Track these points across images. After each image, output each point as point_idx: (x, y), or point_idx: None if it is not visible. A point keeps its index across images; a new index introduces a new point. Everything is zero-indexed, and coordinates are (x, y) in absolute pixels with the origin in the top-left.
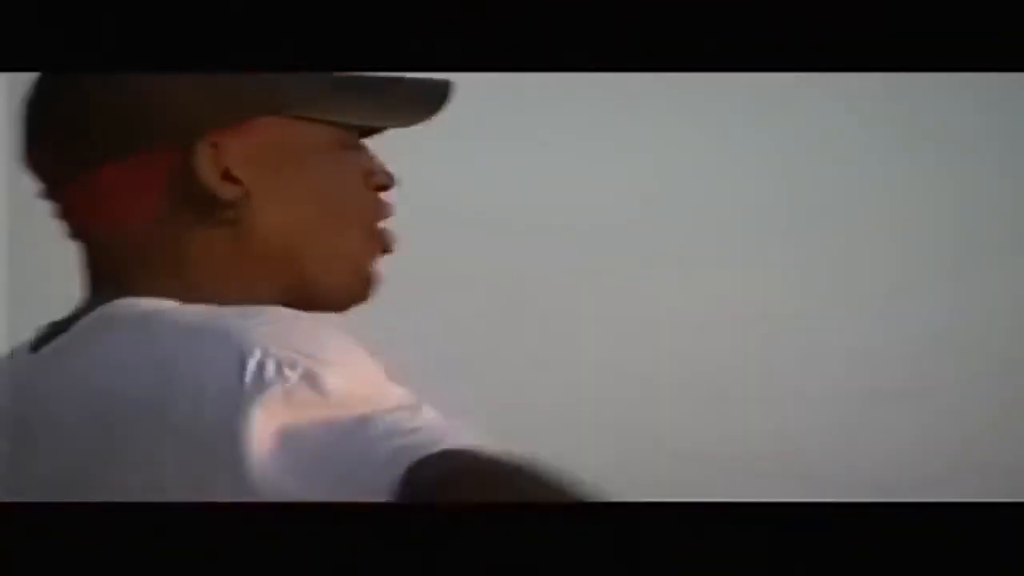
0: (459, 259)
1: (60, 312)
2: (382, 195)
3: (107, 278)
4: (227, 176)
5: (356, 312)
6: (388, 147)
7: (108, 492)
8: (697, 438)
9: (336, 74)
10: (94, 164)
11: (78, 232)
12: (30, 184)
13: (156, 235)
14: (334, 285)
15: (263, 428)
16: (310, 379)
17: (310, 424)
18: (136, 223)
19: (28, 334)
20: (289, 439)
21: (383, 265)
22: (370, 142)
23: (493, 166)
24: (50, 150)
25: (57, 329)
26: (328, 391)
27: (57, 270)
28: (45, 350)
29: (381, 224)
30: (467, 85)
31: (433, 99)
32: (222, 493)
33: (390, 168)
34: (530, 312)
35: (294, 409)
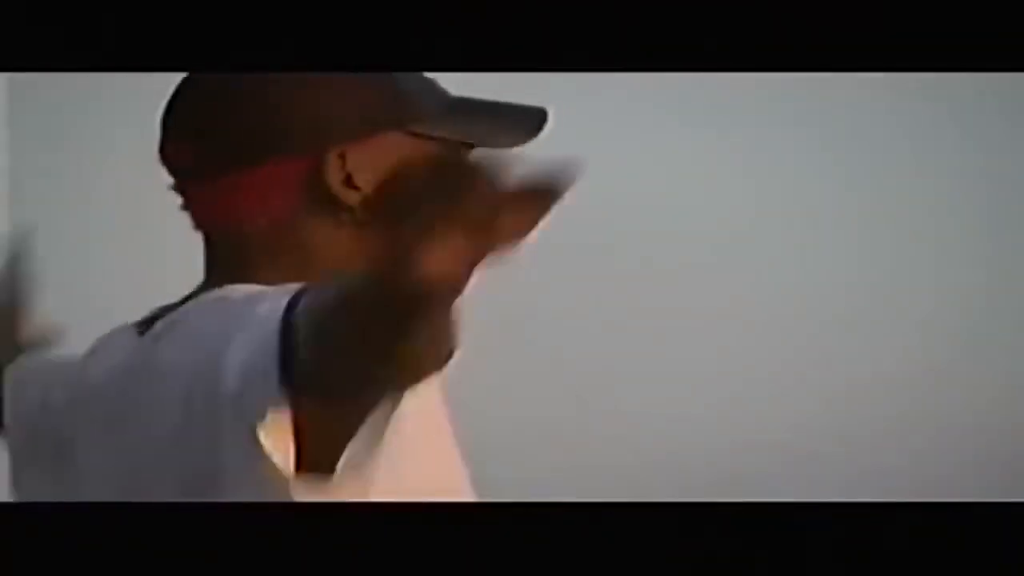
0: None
1: (55, 309)
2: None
3: (228, 269)
4: (349, 183)
5: None
6: None
7: (178, 465)
8: (698, 437)
9: (453, 96)
10: (233, 165)
11: (205, 226)
12: (31, 186)
13: (283, 232)
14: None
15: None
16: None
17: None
18: (266, 221)
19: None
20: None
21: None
22: None
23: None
24: (189, 147)
25: (163, 312)
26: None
27: (57, 269)
28: (154, 329)
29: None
30: (467, 85)
31: (533, 124)
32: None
33: None
34: (531, 312)
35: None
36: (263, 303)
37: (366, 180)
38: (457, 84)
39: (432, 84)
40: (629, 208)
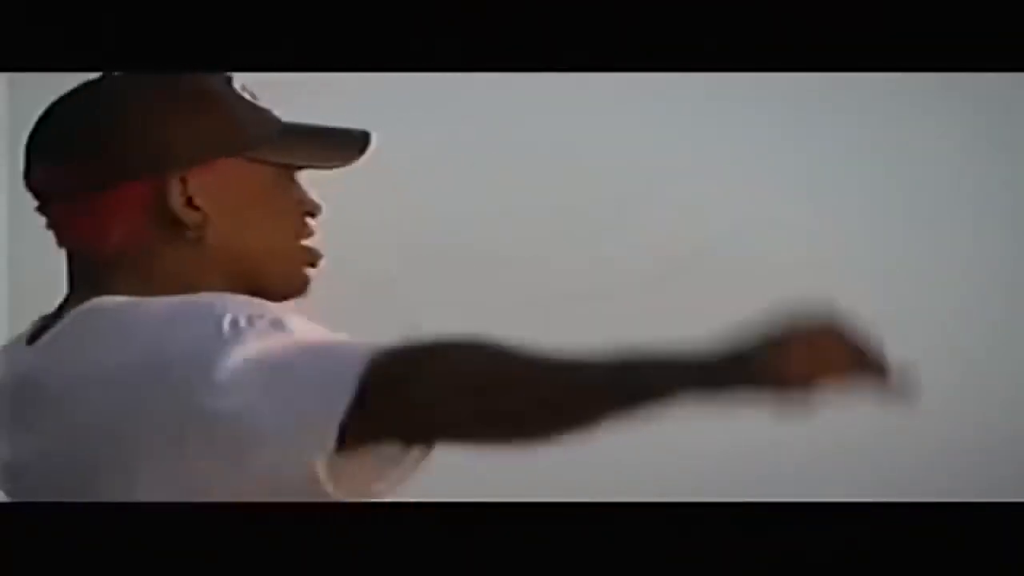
0: (460, 259)
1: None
2: (310, 219)
3: (87, 280)
4: (191, 204)
5: (364, 305)
6: (394, 149)
7: (116, 458)
8: (698, 438)
9: (284, 122)
10: (86, 190)
11: (66, 244)
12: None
13: (133, 248)
14: (273, 289)
15: (235, 358)
16: (276, 324)
17: (278, 345)
18: (117, 238)
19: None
20: (259, 359)
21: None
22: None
23: (498, 167)
24: (47, 173)
25: (47, 323)
26: (292, 330)
27: (57, 268)
28: (41, 341)
29: (308, 242)
30: (467, 85)
31: (356, 146)
32: (202, 432)
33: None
34: (532, 313)
35: (264, 341)
36: (303, 355)
37: (206, 202)
38: (457, 84)
39: (265, 112)
40: (631, 206)
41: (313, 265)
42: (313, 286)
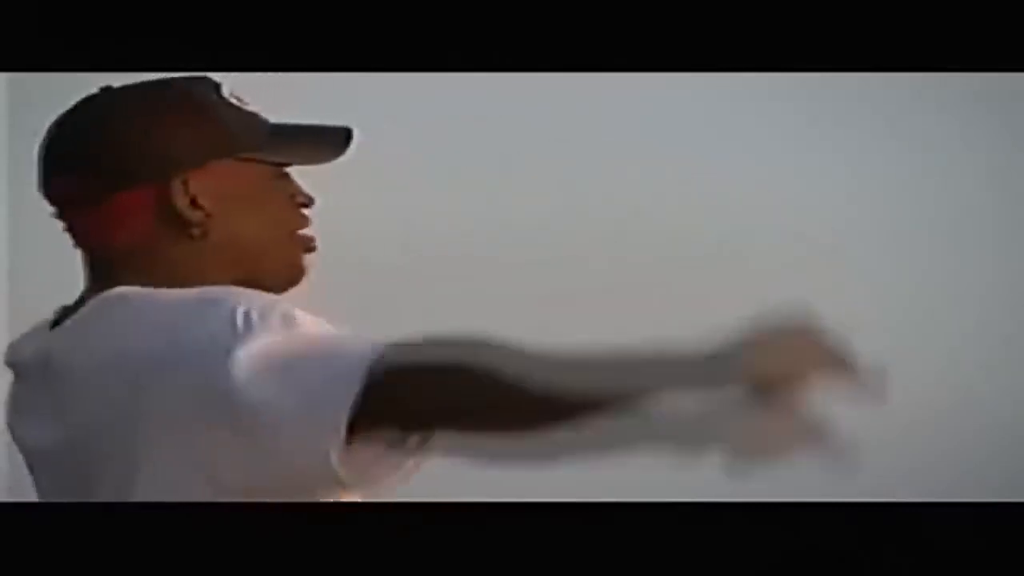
0: (462, 258)
1: (53, 307)
2: (304, 210)
3: (103, 276)
4: (194, 203)
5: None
6: (394, 149)
7: (133, 441)
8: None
9: (272, 123)
10: (97, 196)
11: (82, 243)
12: (31, 186)
13: (143, 246)
14: (274, 277)
15: (251, 352)
16: (287, 320)
17: (289, 341)
18: (128, 238)
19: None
20: (273, 353)
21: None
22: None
23: (499, 168)
24: (62, 183)
25: (68, 311)
26: (301, 324)
27: (57, 268)
28: (64, 325)
29: (304, 231)
30: (468, 85)
31: (340, 142)
32: (219, 421)
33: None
34: (533, 313)
35: (277, 336)
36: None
37: (207, 200)
38: (457, 84)
39: (254, 116)
40: (633, 206)
41: (310, 251)
42: (315, 281)
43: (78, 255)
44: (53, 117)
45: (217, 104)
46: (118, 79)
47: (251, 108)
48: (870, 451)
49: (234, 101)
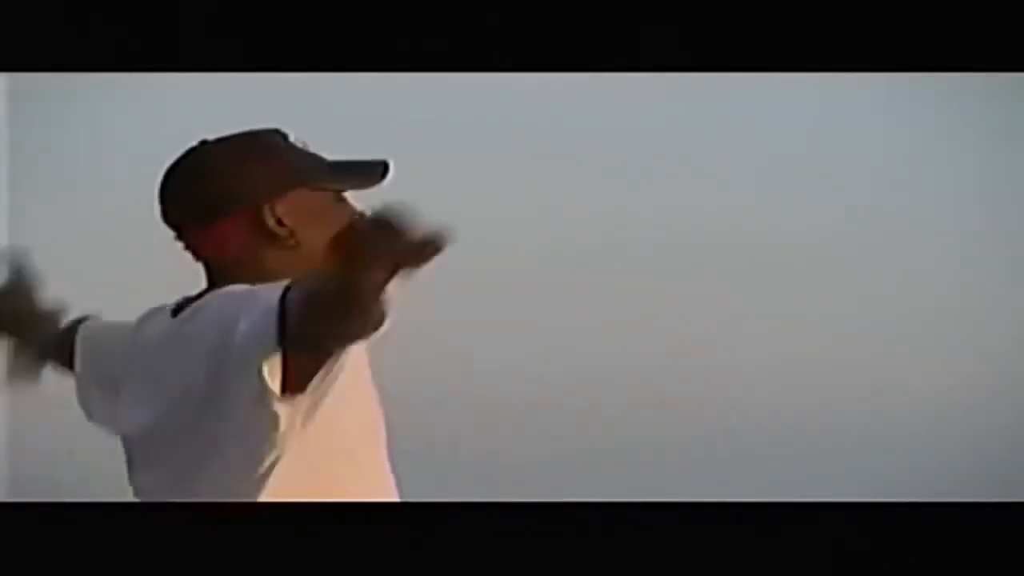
0: (462, 258)
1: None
2: None
3: (217, 278)
4: (280, 223)
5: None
6: (398, 154)
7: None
8: (700, 438)
9: (329, 160)
10: (208, 220)
11: (200, 257)
12: (31, 186)
13: (246, 257)
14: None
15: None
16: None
17: (253, 296)
18: (234, 251)
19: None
20: (245, 305)
21: None
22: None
23: (501, 171)
24: (179, 210)
25: (187, 301)
26: (260, 293)
27: (57, 269)
28: (178, 318)
29: None
30: (467, 85)
31: (379, 172)
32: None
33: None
34: (531, 313)
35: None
36: (262, 295)
37: (290, 220)
38: (457, 84)
39: (316, 155)
40: (633, 207)
41: None
42: None
43: (78, 254)
44: (53, 117)
45: (288, 147)
46: (118, 79)
47: (311, 150)
48: (870, 451)
49: (299, 144)
